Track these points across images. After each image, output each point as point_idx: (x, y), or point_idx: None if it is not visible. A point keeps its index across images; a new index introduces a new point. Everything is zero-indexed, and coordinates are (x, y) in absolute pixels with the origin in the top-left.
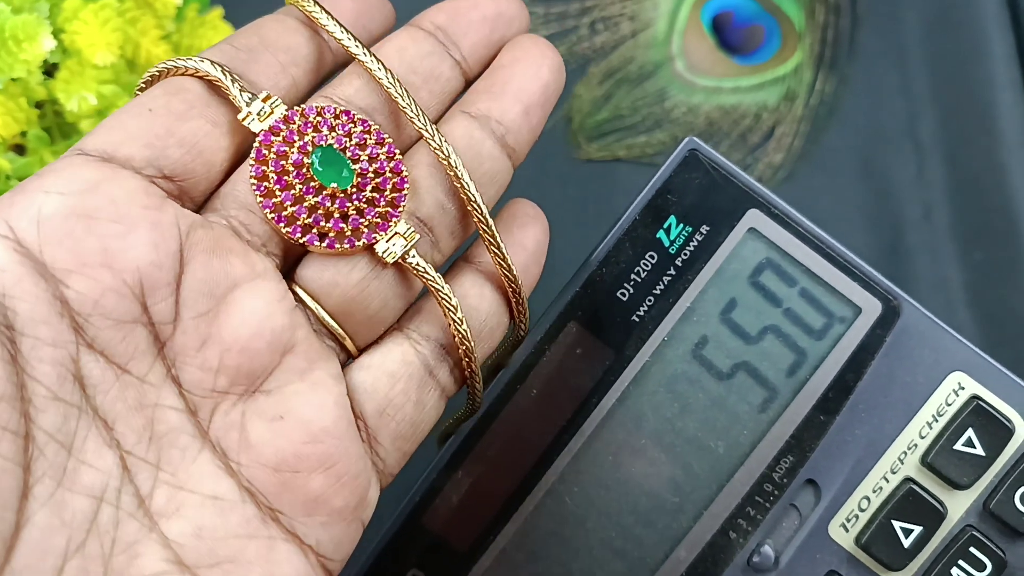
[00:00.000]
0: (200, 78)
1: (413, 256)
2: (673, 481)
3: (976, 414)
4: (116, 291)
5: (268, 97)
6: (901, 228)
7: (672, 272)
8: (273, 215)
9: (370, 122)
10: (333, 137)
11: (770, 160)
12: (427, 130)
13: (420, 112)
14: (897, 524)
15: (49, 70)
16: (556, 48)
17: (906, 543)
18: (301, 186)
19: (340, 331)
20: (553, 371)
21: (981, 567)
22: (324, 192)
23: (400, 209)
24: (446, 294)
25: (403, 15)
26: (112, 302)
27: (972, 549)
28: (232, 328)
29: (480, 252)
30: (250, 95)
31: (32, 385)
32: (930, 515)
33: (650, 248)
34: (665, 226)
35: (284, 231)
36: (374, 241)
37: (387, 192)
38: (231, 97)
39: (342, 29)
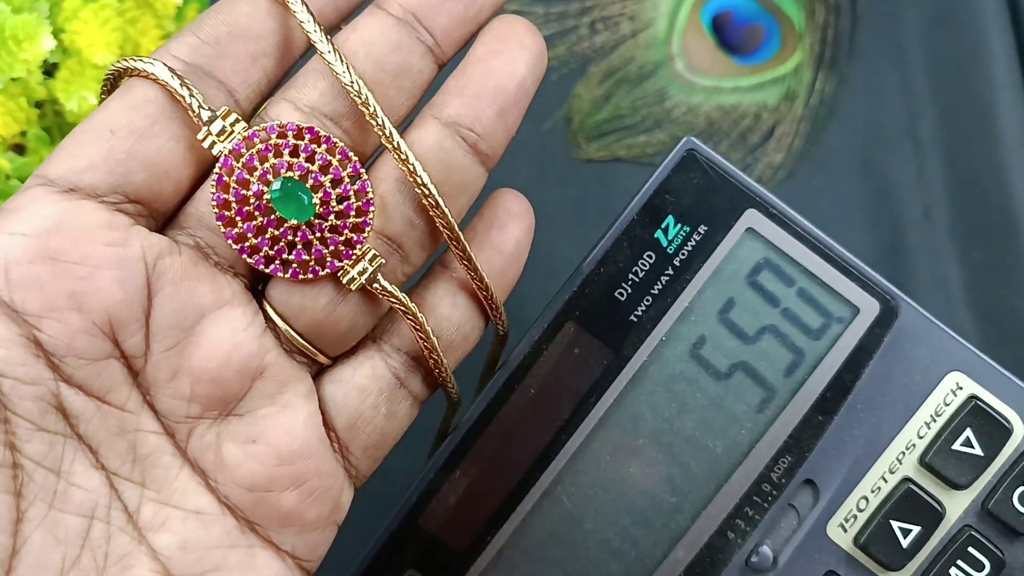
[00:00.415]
0: (161, 85)
1: (379, 281)
2: (671, 481)
3: (974, 414)
4: (87, 332)
5: (228, 114)
6: (901, 228)
7: (670, 272)
8: (236, 245)
9: (334, 139)
10: (295, 163)
11: (770, 160)
12: (393, 143)
13: (387, 123)
14: (895, 524)
15: (49, 70)
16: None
17: (904, 543)
18: (262, 217)
19: (310, 348)
20: (551, 371)
21: (980, 567)
22: (285, 224)
23: (365, 234)
24: (412, 315)
25: None
26: (84, 343)
27: (970, 549)
28: (201, 359)
29: (454, 258)
30: (209, 111)
31: (15, 420)
32: (928, 515)
33: (648, 248)
34: (663, 226)
35: (248, 261)
36: (338, 269)
37: (351, 217)
38: (190, 113)
39: (310, 17)
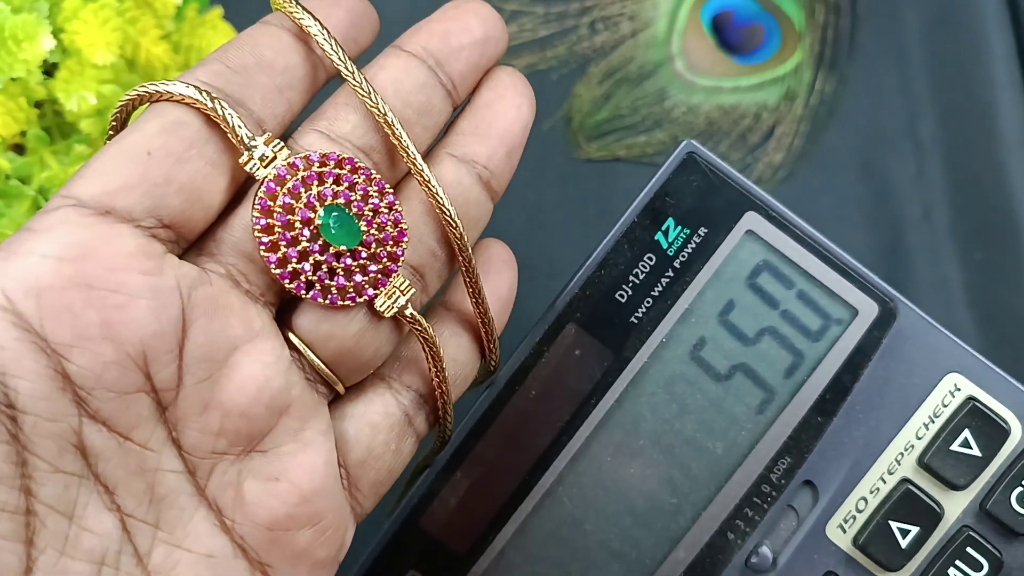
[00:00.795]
0: (196, 108)
1: (409, 309)
2: (671, 482)
3: (972, 415)
4: (119, 364)
5: (271, 140)
6: (901, 228)
7: (670, 274)
8: (277, 270)
9: (371, 170)
10: (340, 192)
11: (770, 160)
12: (423, 176)
13: (418, 157)
14: (894, 525)
15: (49, 70)
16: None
17: (903, 544)
18: (307, 242)
19: (332, 377)
20: (552, 372)
21: (978, 567)
22: (330, 250)
23: (400, 263)
24: (435, 346)
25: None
26: (115, 375)
27: (969, 549)
28: (232, 394)
29: (459, 299)
30: (249, 134)
31: (33, 461)
32: (927, 516)
33: (648, 250)
34: (663, 228)
35: (288, 286)
36: (374, 297)
37: (388, 246)
38: (231, 136)
39: (339, 50)
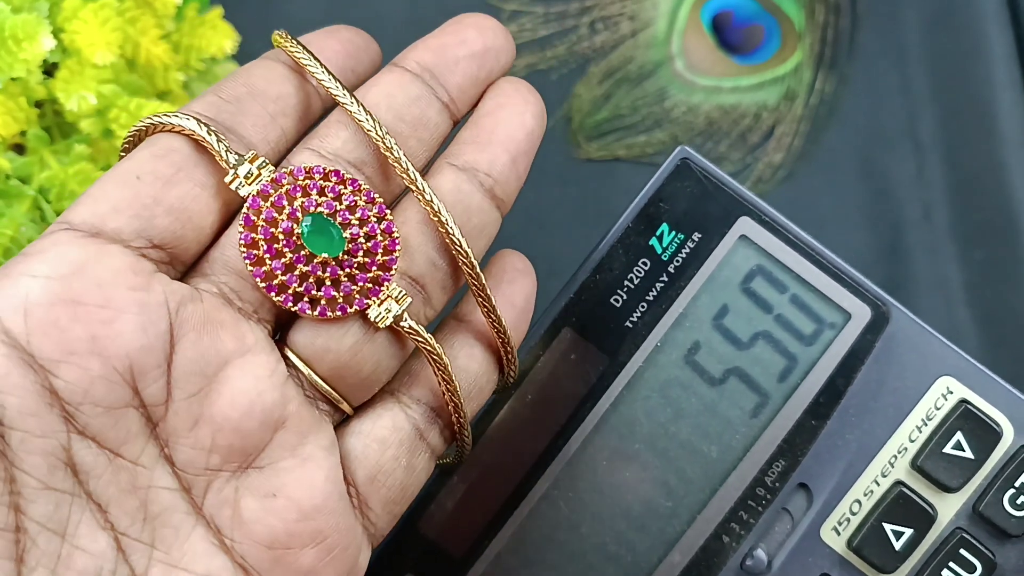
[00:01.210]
0: (187, 136)
1: (406, 319)
2: (666, 486)
3: (964, 418)
4: (106, 378)
5: (255, 158)
6: (900, 228)
7: (665, 279)
8: (264, 284)
9: (359, 181)
10: (323, 202)
11: (770, 160)
12: (417, 185)
13: (410, 167)
14: (888, 527)
15: (49, 70)
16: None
17: (897, 546)
18: (291, 254)
19: (334, 394)
20: (547, 376)
21: (971, 569)
22: (315, 260)
23: (392, 272)
24: (439, 356)
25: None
26: (103, 390)
27: (962, 551)
28: (223, 408)
29: (469, 309)
30: (236, 156)
31: (22, 477)
32: (920, 518)
33: (643, 255)
34: (657, 233)
35: (275, 300)
36: (366, 307)
37: (378, 255)
38: (218, 159)
39: (329, 75)
